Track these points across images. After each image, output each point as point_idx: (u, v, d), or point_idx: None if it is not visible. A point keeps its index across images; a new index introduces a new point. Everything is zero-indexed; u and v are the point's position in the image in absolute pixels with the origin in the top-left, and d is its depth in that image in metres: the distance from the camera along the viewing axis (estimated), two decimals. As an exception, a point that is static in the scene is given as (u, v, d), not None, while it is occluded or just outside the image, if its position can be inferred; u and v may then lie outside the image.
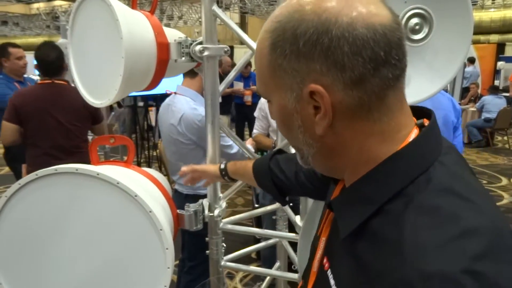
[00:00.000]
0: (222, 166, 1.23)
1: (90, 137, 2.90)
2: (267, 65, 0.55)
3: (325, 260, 0.61)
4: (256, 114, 2.77)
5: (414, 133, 0.54)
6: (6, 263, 0.95)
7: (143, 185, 1.14)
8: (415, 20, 1.00)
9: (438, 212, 0.46)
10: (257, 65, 0.57)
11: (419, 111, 0.59)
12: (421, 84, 1.11)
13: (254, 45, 1.35)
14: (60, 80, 2.58)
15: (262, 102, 2.75)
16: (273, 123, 2.64)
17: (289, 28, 0.51)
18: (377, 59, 0.48)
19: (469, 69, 9.44)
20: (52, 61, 2.52)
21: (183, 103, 2.12)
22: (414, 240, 0.44)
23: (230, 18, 1.39)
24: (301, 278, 0.78)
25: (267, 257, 2.73)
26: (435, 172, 0.50)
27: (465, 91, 8.51)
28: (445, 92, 2.55)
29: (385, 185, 0.51)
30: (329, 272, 0.58)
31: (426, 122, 0.57)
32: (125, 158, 1.24)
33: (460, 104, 8.06)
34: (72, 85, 2.56)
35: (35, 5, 15.88)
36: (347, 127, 0.53)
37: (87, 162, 1.10)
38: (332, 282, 0.56)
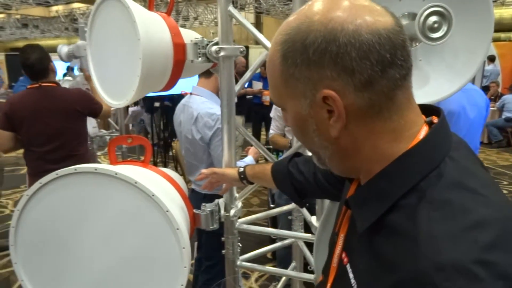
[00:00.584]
0: (241, 169, 1.24)
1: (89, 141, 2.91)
2: (279, 76, 0.57)
3: (344, 255, 0.63)
4: (272, 114, 2.78)
5: (424, 130, 0.56)
6: (27, 261, 0.97)
7: (160, 185, 1.15)
8: (433, 18, 0.98)
9: (450, 205, 0.48)
10: (270, 76, 0.60)
11: (428, 109, 0.61)
12: (440, 83, 1.09)
13: (269, 45, 1.35)
14: (48, 82, 2.54)
15: None
16: None
17: (298, 39, 0.54)
18: (384, 61, 0.51)
19: (489, 67, 9.23)
20: (31, 63, 2.48)
21: (199, 103, 2.13)
22: (428, 232, 0.46)
23: (245, 18, 1.39)
24: (318, 276, 0.79)
25: (282, 257, 2.72)
26: (446, 168, 0.53)
27: (484, 90, 8.33)
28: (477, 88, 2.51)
29: (399, 181, 0.53)
30: (348, 266, 0.60)
31: (434, 119, 0.59)
32: (142, 158, 1.25)
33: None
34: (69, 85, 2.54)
35: (54, 8, 16.19)
36: (360, 127, 0.55)
37: None
38: (351, 275, 0.58)
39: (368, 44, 0.50)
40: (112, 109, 3.87)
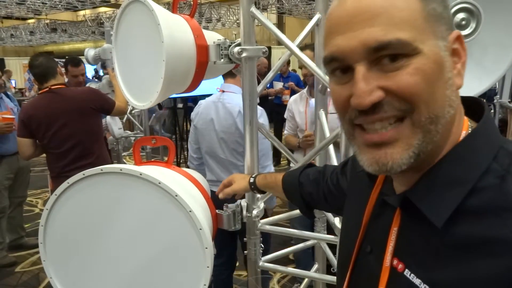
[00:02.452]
0: (252, 180, 1.24)
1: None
2: (421, 9, 0.50)
3: (396, 262, 0.57)
4: (285, 115, 2.79)
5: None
6: (56, 258, 1.00)
7: (183, 185, 1.16)
8: (461, 15, 0.95)
9: None
10: (404, 8, 0.49)
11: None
12: (468, 82, 1.06)
13: (292, 45, 1.35)
14: (57, 85, 2.60)
15: (290, 102, 2.74)
16: (301, 123, 2.63)
17: None
18: None
19: (520, 65, 8.91)
20: (36, 69, 2.57)
21: (236, 99, 2.13)
22: None
23: (268, 19, 1.39)
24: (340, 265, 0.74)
25: (301, 260, 2.70)
26: (511, 146, 0.52)
27: (515, 88, 8.03)
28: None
29: (474, 163, 0.51)
30: (406, 272, 0.54)
31: None
32: (166, 158, 1.27)
33: (509, 102, 7.62)
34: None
35: (81, 12, 16.66)
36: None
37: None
38: (417, 281, 0.52)
39: None
40: (136, 110, 3.94)
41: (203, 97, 2.37)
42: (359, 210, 0.67)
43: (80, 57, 3.71)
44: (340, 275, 0.72)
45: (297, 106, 2.66)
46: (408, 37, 0.48)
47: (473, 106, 0.58)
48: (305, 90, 2.73)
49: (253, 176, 1.26)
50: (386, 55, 0.49)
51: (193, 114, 2.34)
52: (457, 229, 0.49)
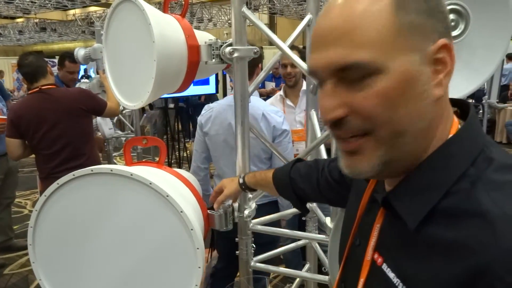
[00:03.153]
0: (241, 180, 1.25)
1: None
2: (392, 24, 0.49)
3: (376, 256, 0.60)
4: None
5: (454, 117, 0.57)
6: (45, 260, 0.99)
7: (175, 186, 1.16)
8: (450, 16, 0.96)
9: (510, 186, 0.48)
10: (372, 26, 0.49)
11: None
12: (457, 82, 1.07)
13: (283, 45, 1.35)
14: (48, 85, 2.57)
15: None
16: None
17: None
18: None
19: (508, 66, 9.01)
20: (26, 68, 2.55)
21: (256, 101, 2.04)
22: (499, 211, 0.46)
23: (259, 19, 1.39)
24: (333, 277, 0.77)
25: (289, 260, 2.70)
26: (492, 152, 0.52)
27: (504, 89, 8.14)
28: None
29: (449, 169, 0.52)
30: (384, 267, 0.57)
31: None
32: (157, 159, 1.26)
33: (497, 103, 7.72)
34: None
35: (71, 12, 16.50)
36: (446, 95, 0.54)
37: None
38: (391, 274, 0.55)
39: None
40: (127, 110, 3.91)
41: (195, 97, 2.34)
42: (356, 204, 0.71)
43: (70, 57, 3.68)
44: (338, 265, 0.75)
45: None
46: (370, 58, 0.49)
47: (463, 108, 0.59)
48: (281, 92, 2.76)
49: (241, 176, 1.26)
50: (350, 74, 0.50)
51: (202, 119, 2.14)
52: (429, 230, 0.51)
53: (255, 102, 2.07)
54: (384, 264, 0.57)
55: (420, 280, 0.51)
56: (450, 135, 0.55)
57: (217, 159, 2.16)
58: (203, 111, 2.19)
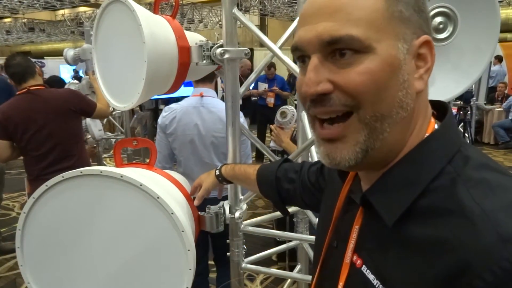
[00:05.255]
0: (217, 172, 1.25)
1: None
2: (384, 9, 0.51)
3: (355, 258, 0.59)
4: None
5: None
6: (33, 263, 0.97)
7: (165, 187, 1.15)
8: (439, 19, 0.98)
9: (487, 183, 0.49)
10: (365, 6, 0.51)
11: None
12: (446, 84, 1.08)
13: (274, 47, 1.35)
14: (36, 86, 2.54)
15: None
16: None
17: None
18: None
19: (496, 68, 9.16)
20: (14, 69, 2.51)
21: (219, 103, 2.15)
22: (479, 208, 0.46)
23: (250, 21, 1.39)
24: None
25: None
26: (469, 151, 0.53)
27: (491, 90, 8.26)
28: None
29: (427, 165, 0.53)
30: (363, 268, 0.57)
31: None
32: (147, 160, 1.25)
33: (485, 104, 7.84)
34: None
35: (60, 12, 16.34)
36: (425, 90, 0.56)
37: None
38: (371, 276, 0.55)
39: None
40: (117, 111, 3.89)
41: (185, 98, 2.33)
42: (331, 207, 0.70)
43: (59, 57, 3.63)
44: (313, 269, 0.74)
45: None
46: (361, 34, 0.50)
47: (442, 110, 0.60)
48: None
49: (217, 168, 1.26)
50: (337, 49, 0.51)
51: (165, 121, 2.18)
52: (408, 228, 0.51)
53: (219, 103, 2.15)
54: (364, 266, 0.57)
55: (400, 280, 0.51)
56: (427, 134, 0.56)
57: (184, 159, 2.21)
58: (164, 113, 2.23)
